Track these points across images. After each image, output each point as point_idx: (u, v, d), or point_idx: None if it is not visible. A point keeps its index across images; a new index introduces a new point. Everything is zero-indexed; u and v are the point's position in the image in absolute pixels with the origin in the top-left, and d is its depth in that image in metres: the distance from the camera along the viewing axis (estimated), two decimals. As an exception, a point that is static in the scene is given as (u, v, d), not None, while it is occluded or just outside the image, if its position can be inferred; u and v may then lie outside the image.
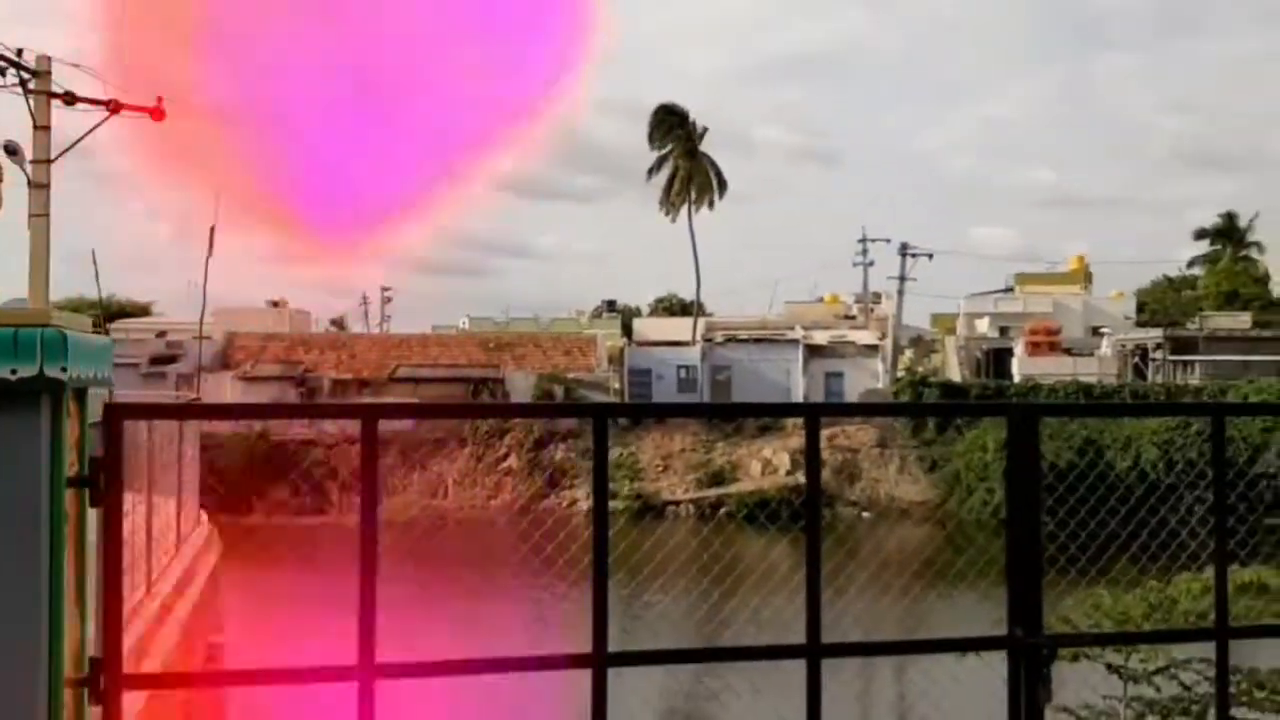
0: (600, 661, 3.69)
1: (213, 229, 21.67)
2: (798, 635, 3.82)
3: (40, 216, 19.39)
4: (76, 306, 65.81)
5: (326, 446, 45.88)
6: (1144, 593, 10.55)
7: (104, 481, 3.11)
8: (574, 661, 3.71)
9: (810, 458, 3.97)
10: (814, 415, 4.01)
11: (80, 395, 2.97)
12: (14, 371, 2.66)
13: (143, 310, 64.58)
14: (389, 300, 69.43)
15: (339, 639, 3.41)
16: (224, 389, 45.85)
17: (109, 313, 60.58)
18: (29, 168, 19.45)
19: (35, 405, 2.74)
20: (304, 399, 47.57)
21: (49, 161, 19.43)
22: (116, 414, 3.23)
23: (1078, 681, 10.50)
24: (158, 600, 10.21)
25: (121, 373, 48.46)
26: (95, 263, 19.79)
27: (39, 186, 19.37)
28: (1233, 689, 10.21)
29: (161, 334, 51.54)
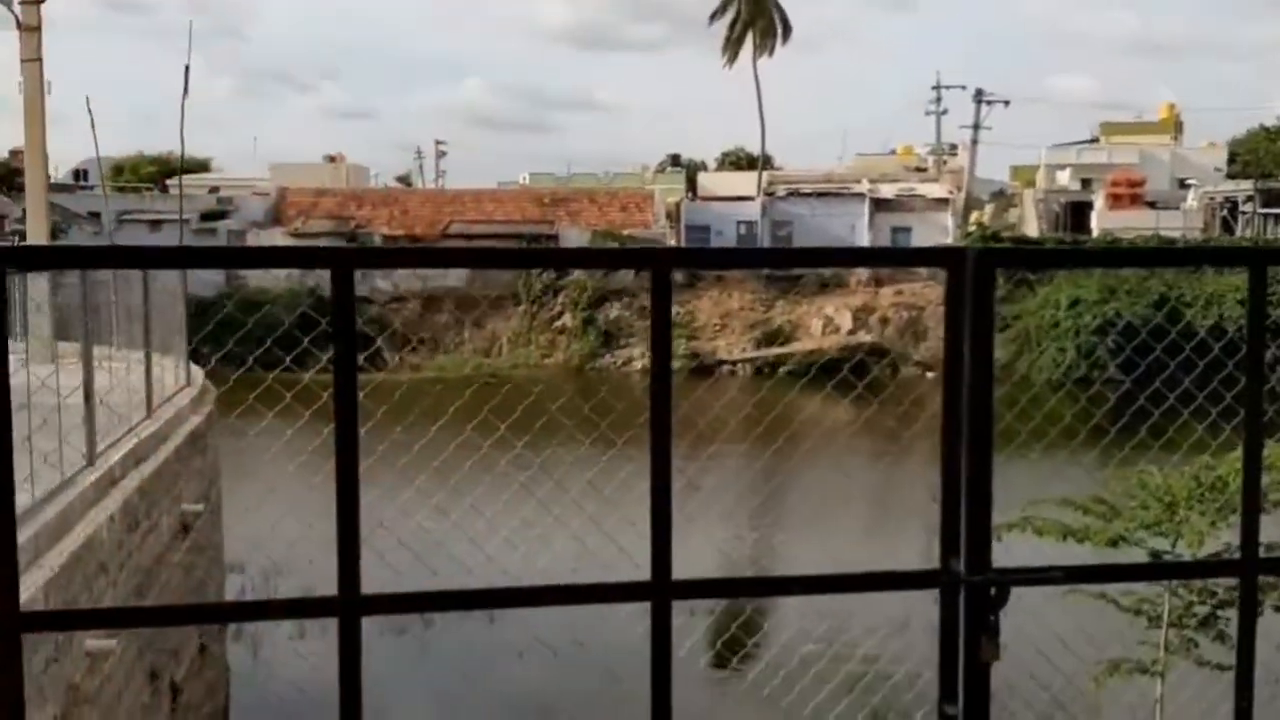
0: (351, 609, 2.60)
1: (187, 68, 20.49)
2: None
3: (32, 61, 18.30)
4: (135, 164, 65.40)
5: (380, 304, 45.32)
6: (1194, 469, 9.15)
7: None
8: (321, 608, 2.67)
9: (658, 319, 2.73)
10: (664, 265, 2.77)
11: None
12: None
13: (201, 166, 64.06)
14: (443, 155, 67.83)
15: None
16: (275, 245, 45.31)
17: (166, 170, 60.11)
18: (18, 9, 18.29)
19: None
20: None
21: (39, 1, 18.23)
22: None
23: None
24: (97, 473, 9.33)
25: (173, 229, 48.07)
26: (90, 113, 18.74)
27: (29, 29, 18.23)
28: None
29: (214, 189, 50.94)
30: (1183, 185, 59.07)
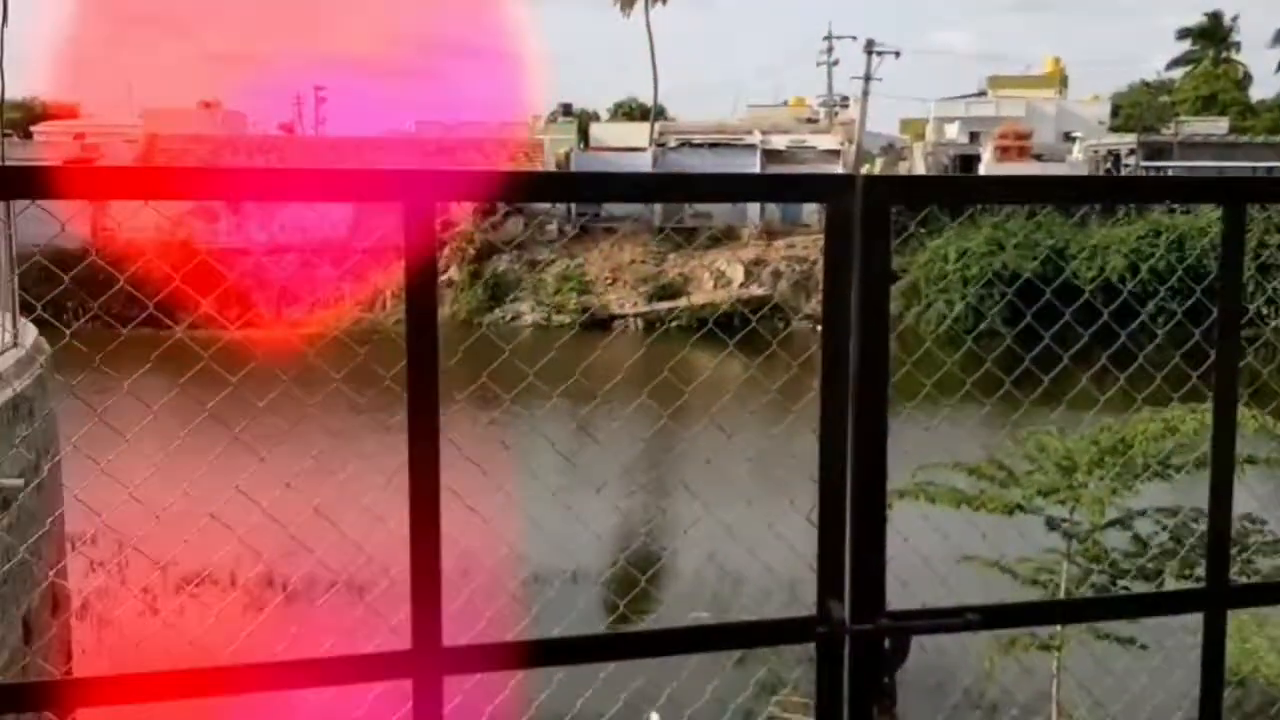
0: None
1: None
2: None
3: None
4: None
5: (259, 256, 43.61)
6: (1095, 433, 8.67)
7: None
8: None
9: (416, 267, 2.01)
10: (421, 198, 2.07)
11: None
12: None
13: (68, 112, 60.79)
14: (323, 101, 65.39)
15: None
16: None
17: (32, 115, 56.93)
18: None
19: None
20: (226, 204, 44.93)
21: None
22: None
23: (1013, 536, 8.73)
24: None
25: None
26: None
27: None
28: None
29: (79, 136, 48.36)
30: (1068, 138, 59.84)
